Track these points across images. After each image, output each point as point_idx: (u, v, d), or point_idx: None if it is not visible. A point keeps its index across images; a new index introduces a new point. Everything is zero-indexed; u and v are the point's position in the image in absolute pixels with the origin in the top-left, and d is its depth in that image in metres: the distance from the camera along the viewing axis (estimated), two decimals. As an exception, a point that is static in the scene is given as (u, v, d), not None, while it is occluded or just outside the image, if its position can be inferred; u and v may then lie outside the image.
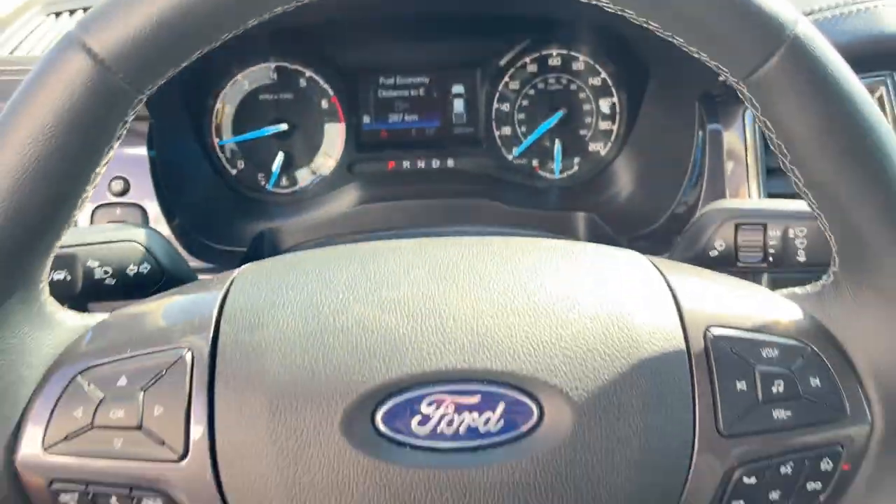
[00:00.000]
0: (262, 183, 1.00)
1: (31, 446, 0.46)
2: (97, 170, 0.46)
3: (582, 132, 1.00)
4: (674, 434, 0.46)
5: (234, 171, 0.99)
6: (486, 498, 0.44)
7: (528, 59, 0.99)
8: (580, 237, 0.92)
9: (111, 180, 0.82)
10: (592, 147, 1.01)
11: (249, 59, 0.98)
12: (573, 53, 0.98)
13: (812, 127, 0.44)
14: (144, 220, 0.83)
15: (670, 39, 0.44)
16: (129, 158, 0.86)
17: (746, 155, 0.83)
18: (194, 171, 0.97)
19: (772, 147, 0.47)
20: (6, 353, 0.46)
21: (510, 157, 1.01)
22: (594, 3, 0.43)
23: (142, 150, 0.86)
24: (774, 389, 0.47)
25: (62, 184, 0.45)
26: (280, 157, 0.98)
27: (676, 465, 0.46)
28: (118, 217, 0.85)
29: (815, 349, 0.48)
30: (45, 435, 0.46)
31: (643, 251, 0.55)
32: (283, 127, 0.98)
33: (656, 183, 0.93)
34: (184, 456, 0.45)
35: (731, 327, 0.48)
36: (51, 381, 0.47)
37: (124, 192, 0.84)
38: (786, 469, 0.48)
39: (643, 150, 0.98)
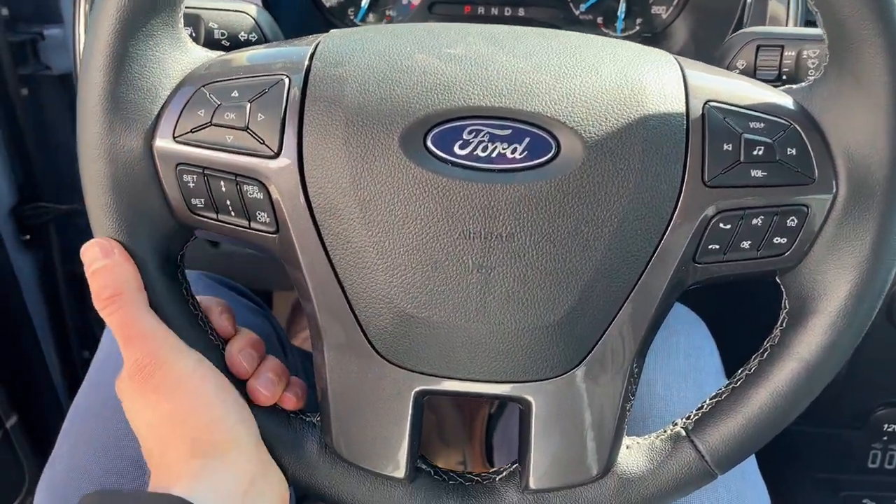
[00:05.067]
0: (352, 17, 1.02)
1: (164, 136, 0.53)
2: None
3: (646, -6, 1.01)
4: (665, 176, 0.51)
5: (328, 4, 1.02)
6: (505, 207, 0.50)
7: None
8: None
9: None
10: (655, 10, 1.00)
11: None
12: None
13: None
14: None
15: None
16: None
17: (787, 21, 0.85)
18: (296, 1, 1.00)
19: None
20: (151, 60, 0.52)
21: (577, 12, 1.02)
22: None
23: (255, -24, 0.90)
24: (755, 152, 0.51)
25: None
26: (369, -6, 1.02)
27: (665, 203, 0.51)
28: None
29: (797, 127, 0.52)
30: (175, 128, 0.53)
31: None
32: (375, -33, 1.01)
33: (704, 43, 0.95)
34: (278, 154, 0.52)
35: (727, 103, 0.52)
36: (182, 89, 0.53)
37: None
38: (757, 221, 0.52)
39: (698, 13, 0.98)
